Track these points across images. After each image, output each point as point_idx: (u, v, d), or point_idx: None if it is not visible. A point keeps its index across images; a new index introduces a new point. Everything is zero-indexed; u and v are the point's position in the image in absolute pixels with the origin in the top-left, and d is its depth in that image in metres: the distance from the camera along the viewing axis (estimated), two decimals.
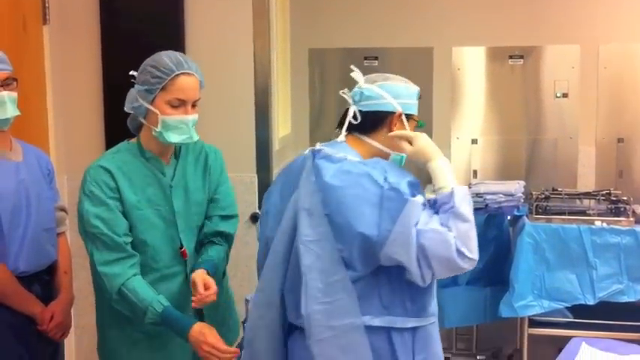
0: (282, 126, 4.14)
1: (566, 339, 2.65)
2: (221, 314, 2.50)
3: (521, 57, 4.64)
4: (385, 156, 2.07)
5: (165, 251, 2.34)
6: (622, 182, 4.53)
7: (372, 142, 2.07)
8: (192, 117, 2.29)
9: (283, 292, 2.03)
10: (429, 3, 4.67)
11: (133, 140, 2.38)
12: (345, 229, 1.89)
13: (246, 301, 2.21)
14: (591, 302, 3.62)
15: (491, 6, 4.61)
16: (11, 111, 2.43)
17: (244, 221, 3.40)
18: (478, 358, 4.42)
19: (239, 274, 3.40)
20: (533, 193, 3.98)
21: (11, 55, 2.50)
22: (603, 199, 3.86)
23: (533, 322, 3.77)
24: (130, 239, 2.27)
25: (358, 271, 1.91)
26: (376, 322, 1.94)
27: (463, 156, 4.70)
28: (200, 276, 2.28)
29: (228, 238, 2.53)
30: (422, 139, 2.03)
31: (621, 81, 4.57)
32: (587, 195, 3.96)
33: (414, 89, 2.12)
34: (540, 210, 3.84)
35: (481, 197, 3.79)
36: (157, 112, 2.24)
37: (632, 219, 3.69)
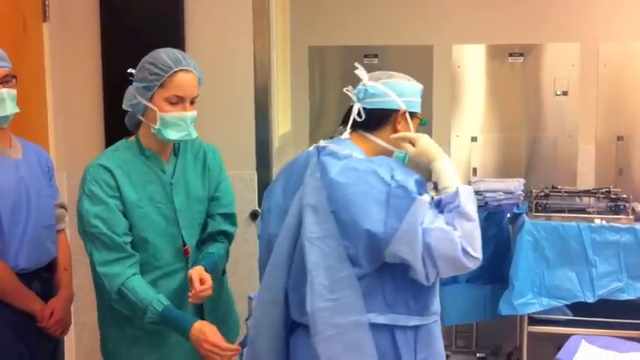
0: (282, 123, 4.14)
1: (566, 337, 2.66)
2: (221, 313, 2.50)
3: (521, 55, 4.64)
4: (389, 153, 2.08)
5: (167, 249, 2.33)
6: (621, 180, 4.53)
7: (376, 139, 2.07)
8: (190, 114, 2.27)
9: (287, 290, 2.03)
10: (429, 1, 4.67)
11: (132, 138, 2.36)
12: (351, 226, 1.89)
13: (250, 298, 2.20)
14: (591, 300, 3.63)
15: (491, 4, 4.61)
16: (11, 108, 2.43)
17: (244, 219, 3.40)
18: (478, 355, 4.43)
19: (239, 271, 3.40)
20: (533, 190, 3.98)
21: (11, 53, 2.49)
22: (603, 197, 3.86)
23: (533, 320, 3.77)
24: (129, 239, 2.25)
25: (364, 268, 1.91)
26: (380, 319, 1.94)
27: (463, 154, 4.71)
28: (196, 271, 2.28)
29: (229, 236, 2.54)
30: (424, 140, 2.04)
31: (621, 79, 4.58)
32: (587, 193, 3.96)
33: (418, 87, 2.13)
34: (540, 208, 3.84)
35: (481, 195, 3.79)
36: (156, 109, 2.23)
37: (631, 217, 3.70)
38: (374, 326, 1.93)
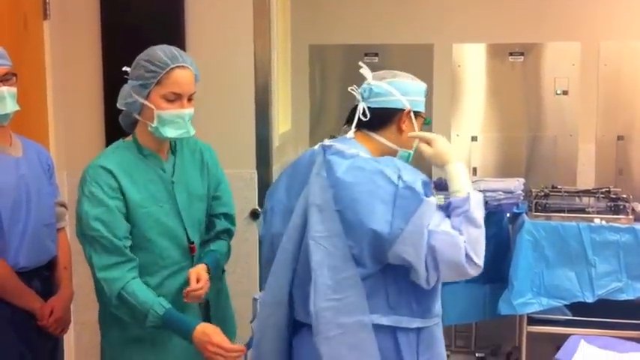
0: (282, 122, 4.13)
1: (565, 337, 2.66)
2: (222, 312, 2.49)
3: (522, 54, 4.64)
4: (393, 153, 2.08)
5: (172, 248, 2.29)
6: (622, 180, 4.53)
7: (381, 138, 2.07)
8: (188, 111, 2.24)
9: (292, 290, 2.02)
10: (430, 0, 4.67)
11: (128, 138, 2.33)
12: (357, 226, 1.88)
13: (254, 300, 2.18)
14: (590, 300, 3.63)
15: (491, 3, 4.61)
16: (11, 106, 2.43)
17: (244, 218, 3.39)
18: (477, 355, 4.43)
19: (238, 270, 3.40)
20: (533, 190, 3.98)
21: (11, 51, 2.49)
22: (603, 197, 3.86)
23: (532, 320, 3.77)
24: (129, 242, 2.21)
25: (368, 268, 1.91)
26: (383, 320, 1.94)
27: (463, 153, 4.71)
28: (195, 270, 2.27)
29: (231, 234, 2.53)
30: (441, 142, 2.05)
31: (621, 78, 4.58)
32: (587, 193, 3.96)
33: (422, 86, 2.13)
34: (540, 207, 3.84)
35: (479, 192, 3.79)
36: (153, 107, 2.20)
37: (631, 217, 3.69)
38: (376, 327, 1.93)
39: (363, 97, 2.09)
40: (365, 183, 1.90)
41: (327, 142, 2.06)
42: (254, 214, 3.39)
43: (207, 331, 2.14)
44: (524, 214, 3.81)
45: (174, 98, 2.21)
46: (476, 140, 4.72)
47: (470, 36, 4.64)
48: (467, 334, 4.50)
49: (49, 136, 3.31)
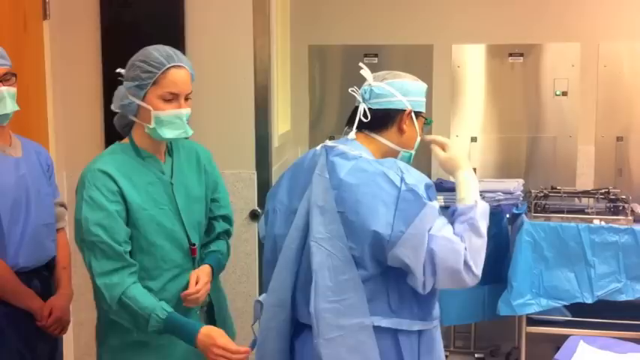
0: (281, 123, 4.13)
1: (564, 337, 2.65)
2: (223, 314, 2.48)
3: (521, 55, 4.64)
4: (395, 153, 2.08)
5: (174, 251, 2.26)
6: (621, 181, 4.54)
7: (382, 139, 2.07)
8: (185, 111, 2.21)
9: (294, 291, 2.02)
10: (429, 0, 4.67)
11: (125, 141, 2.30)
12: (358, 227, 1.88)
13: (257, 302, 2.16)
14: (589, 301, 3.63)
15: (491, 3, 4.61)
16: (10, 106, 2.42)
17: (243, 218, 3.39)
18: (476, 356, 4.43)
19: (238, 270, 3.40)
20: (532, 191, 3.99)
21: (11, 51, 2.49)
22: (602, 198, 3.87)
23: (532, 321, 3.78)
24: (129, 247, 2.16)
25: (368, 270, 1.91)
26: (383, 323, 1.94)
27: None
28: (194, 272, 2.26)
29: (229, 234, 2.52)
30: (455, 148, 2.08)
31: (621, 79, 4.58)
32: (586, 193, 3.97)
33: (423, 86, 2.13)
34: (539, 208, 3.85)
35: (480, 195, 3.78)
36: (150, 107, 2.17)
37: (630, 218, 3.70)
38: (378, 329, 1.93)
39: (363, 99, 2.08)
40: (368, 185, 1.90)
41: (329, 143, 2.06)
42: (253, 215, 3.39)
43: (211, 334, 2.10)
44: (524, 215, 3.82)
45: (172, 98, 2.18)
46: (475, 141, 4.72)
47: (469, 37, 4.64)
48: (466, 335, 4.50)
49: (49, 136, 3.31)
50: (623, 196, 3.81)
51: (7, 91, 2.40)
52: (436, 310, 2.04)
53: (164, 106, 2.17)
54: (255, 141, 3.42)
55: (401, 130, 2.06)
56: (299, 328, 2.05)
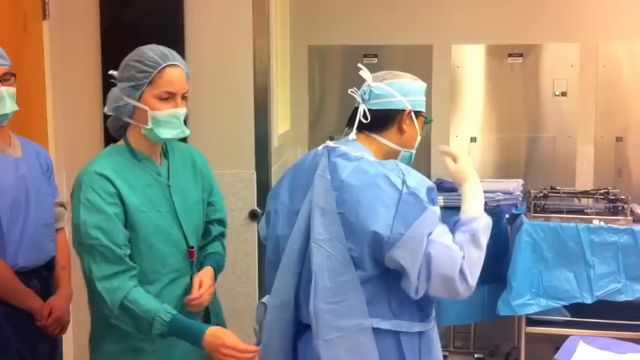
0: (281, 123, 4.14)
1: (564, 337, 2.65)
2: (218, 320, 2.46)
3: (521, 55, 4.64)
4: (396, 153, 2.08)
5: (172, 254, 2.22)
6: (620, 181, 4.54)
7: (382, 139, 2.07)
8: (182, 110, 2.18)
9: (297, 292, 2.02)
10: (429, 1, 4.68)
11: (120, 143, 2.23)
12: (358, 228, 1.88)
13: (261, 304, 2.15)
14: (589, 301, 3.63)
15: (490, 4, 4.62)
16: (10, 106, 2.42)
17: (243, 218, 3.39)
18: (476, 356, 4.43)
19: (237, 270, 3.40)
20: (532, 191, 3.99)
21: (11, 51, 2.49)
22: (601, 198, 3.87)
23: (531, 321, 3.78)
24: (129, 251, 2.10)
25: (367, 271, 1.91)
26: (383, 324, 1.94)
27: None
28: (198, 276, 2.24)
29: (224, 235, 2.50)
30: (466, 160, 2.09)
31: (620, 80, 4.58)
32: (586, 194, 3.97)
33: (422, 85, 2.13)
34: (538, 208, 3.85)
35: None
36: (146, 108, 2.12)
37: (630, 218, 3.70)
38: (379, 331, 1.93)
39: (363, 100, 2.08)
40: (369, 186, 1.90)
41: (331, 144, 2.06)
42: (253, 215, 3.39)
43: (218, 334, 2.06)
44: (523, 215, 3.82)
45: (168, 97, 2.14)
46: (475, 141, 4.72)
47: (469, 37, 4.64)
48: (465, 335, 4.50)
49: (48, 136, 3.31)
50: (623, 197, 3.81)
51: (7, 91, 2.40)
52: (433, 311, 2.05)
53: (161, 106, 2.13)
54: (255, 141, 3.42)
55: (401, 130, 2.06)
56: (302, 328, 2.04)
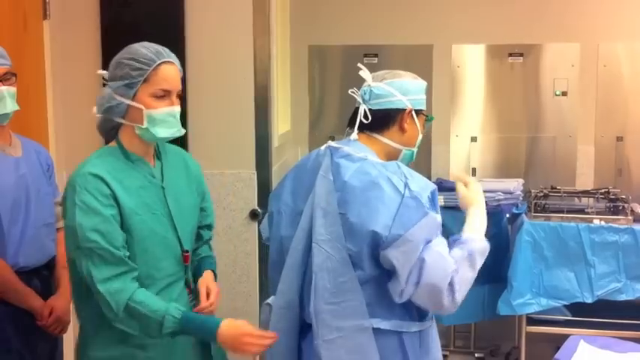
0: (281, 122, 4.14)
1: (565, 337, 2.66)
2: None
3: (521, 55, 4.64)
4: (397, 152, 2.08)
5: (167, 258, 2.16)
6: (621, 181, 4.54)
7: (384, 139, 2.07)
8: (178, 109, 2.13)
9: (302, 293, 2.02)
10: (429, 0, 4.67)
11: (112, 144, 2.15)
12: (358, 228, 1.89)
13: (267, 305, 2.14)
14: (589, 300, 3.63)
15: (491, 4, 4.61)
16: (10, 106, 2.43)
17: (243, 218, 3.40)
18: (476, 355, 4.43)
19: (238, 270, 3.41)
20: (532, 191, 3.99)
21: (11, 50, 2.49)
22: (602, 198, 3.87)
23: (532, 320, 3.78)
24: (127, 253, 2.03)
25: (366, 270, 1.91)
26: (383, 325, 1.94)
27: (462, 153, 4.71)
28: (203, 282, 2.22)
29: (211, 239, 2.46)
30: (477, 187, 2.13)
31: (621, 79, 4.58)
32: (586, 193, 3.97)
33: (422, 84, 2.13)
34: (539, 208, 3.85)
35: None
36: (142, 107, 2.04)
37: (630, 217, 3.70)
38: (380, 331, 1.93)
39: (363, 100, 2.08)
40: (370, 187, 1.90)
41: (333, 144, 2.06)
42: (253, 215, 3.39)
43: (236, 324, 2.01)
44: (524, 215, 3.82)
45: (164, 95, 2.08)
46: (475, 141, 4.72)
47: (469, 37, 4.64)
48: (466, 335, 4.50)
49: (49, 136, 3.31)
50: (623, 196, 3.81)
51: (7, 90, 2.40)
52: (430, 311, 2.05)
53: (156, 104, 2.07)
54: (255, 141, 3.42)
55: (402, 129, 2.06)
56: (306, 328, 2.04)
